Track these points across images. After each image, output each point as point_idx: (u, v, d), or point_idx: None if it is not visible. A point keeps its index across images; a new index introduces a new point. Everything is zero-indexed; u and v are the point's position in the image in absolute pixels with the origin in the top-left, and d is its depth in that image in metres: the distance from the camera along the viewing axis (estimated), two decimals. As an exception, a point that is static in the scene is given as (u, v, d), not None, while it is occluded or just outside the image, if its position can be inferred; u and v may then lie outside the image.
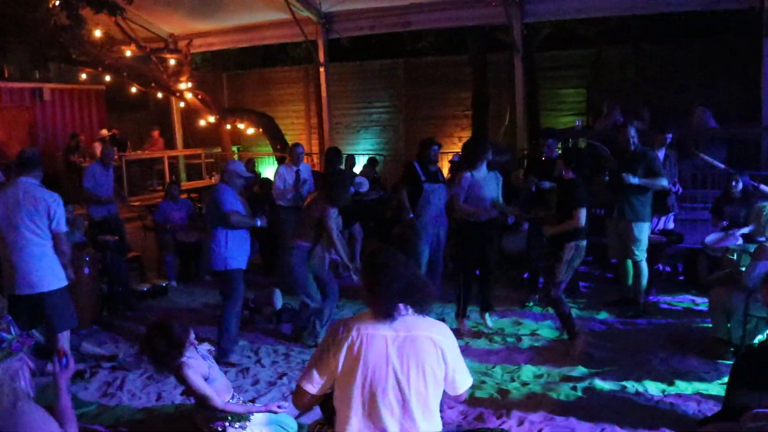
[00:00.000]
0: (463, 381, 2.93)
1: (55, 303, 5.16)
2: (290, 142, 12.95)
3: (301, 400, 2.96)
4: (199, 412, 4.09)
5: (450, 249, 8.44)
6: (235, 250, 5.98)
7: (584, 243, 6.06)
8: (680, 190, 8.33)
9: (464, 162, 6.72)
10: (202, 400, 3.98)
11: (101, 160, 8.97)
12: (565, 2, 10.77)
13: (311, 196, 6.72)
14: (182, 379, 3.97)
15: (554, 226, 6.03)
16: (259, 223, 6.12)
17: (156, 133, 16.92)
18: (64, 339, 5.26)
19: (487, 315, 6.81)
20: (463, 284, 6.68)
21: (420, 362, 2.75)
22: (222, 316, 6.01)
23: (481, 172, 6.52)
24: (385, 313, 2.77)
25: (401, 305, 2.80)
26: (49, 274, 5.11)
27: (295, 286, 6.37)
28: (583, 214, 5.87)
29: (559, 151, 9.14)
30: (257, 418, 4.10)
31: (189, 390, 4.01)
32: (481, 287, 6.78)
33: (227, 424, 3.98)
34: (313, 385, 2.87)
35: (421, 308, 2.84)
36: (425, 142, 7.57)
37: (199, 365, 4.03)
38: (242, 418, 4.04)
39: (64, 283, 5.21)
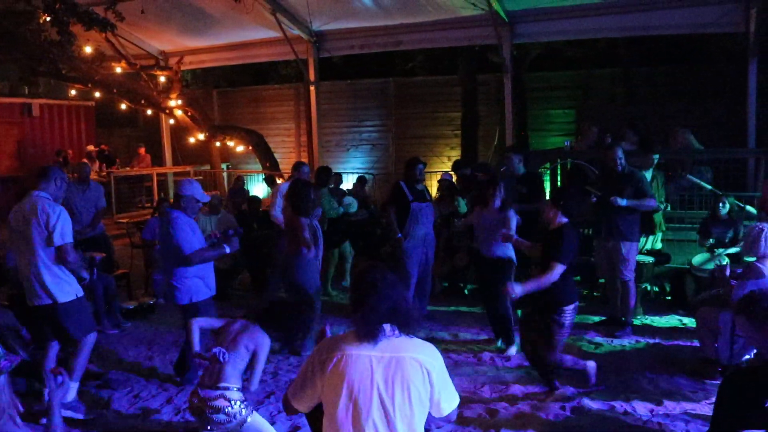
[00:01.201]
0: (449, 403, 2.88)
1: (67, 313, 5.19)
2: (280, 160, 12.99)
3: (290, 411, 3.00)
4: (201, 390, 4.09)
5: (438, 268, 8.48)
6: (201, 279, 5.55)
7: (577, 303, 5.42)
8: (668, 208, 8.40)
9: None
10: None
11: (77, 178, 8.62)
12: (555, 24, 10.85)
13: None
14: None
15: (532, 280, 5.22)
16: (228, 250, 5.57)
17: (142, 150, 16.90)
18: (88, 345, 5.34)
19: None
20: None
21: (405, 384, 2.72)
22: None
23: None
24: (370, 334, 2.75)
25: (388, 326, 2.78)
26: (53, 286, 5.11)
27: (305, 296, 6.32)
28: (559, 270, 5.10)
29: (542, 170, 9.22)
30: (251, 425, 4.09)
31: None
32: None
33: (227, 404, 4.00)
34: (300, 402, 2.90)
35: (407, 329, 2.81)
36: (410, 162, 7.61)
37: None
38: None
39: (71, 296, 5.22)
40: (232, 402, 4.01)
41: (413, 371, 2.74)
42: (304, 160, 16.67)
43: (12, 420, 2.69)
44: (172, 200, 6.38)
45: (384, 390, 2.71)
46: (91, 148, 16.46)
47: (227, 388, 4.04)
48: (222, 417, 3.98)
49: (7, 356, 2.83)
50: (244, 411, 4.05)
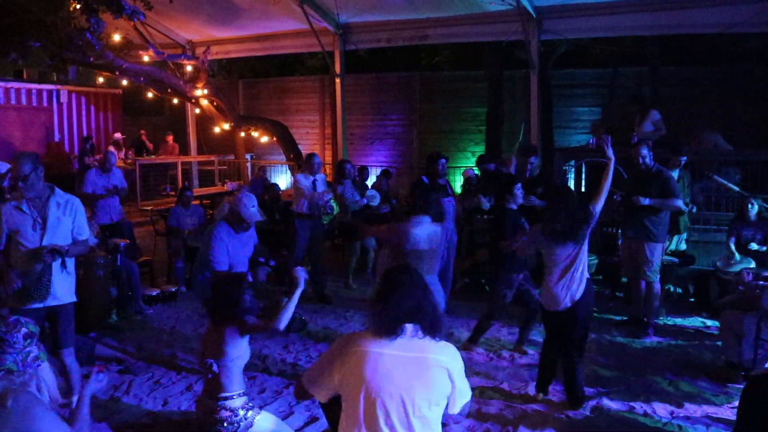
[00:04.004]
0: (462, 400, 2.88)
1: (64, 316, 4.86)
2: (304, 152, 13.00)
3: (302, 396, 3.01)
4: (203, 403, 4.08)
5: (460, 264, 8.46)
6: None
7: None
8: (694, 209, 8.32)
9: None
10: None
11: (100, 164, 9.05)
12: (583, 21, 10.74)
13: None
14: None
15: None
16: (249, 279, 5.12)
17: (170, 138, 17.02)
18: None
19: None
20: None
21: (426, 384, 2.72)
22: None
23: None
24: (386, 330, 2.74)
25: (411, 326, 2.77)
26: (57, 286, 4.75)
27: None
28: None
29: (566, 168, 9.17)
30: (259, 426, 4.07)
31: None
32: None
33: (230, 414, 3.97)
34: (316, 390, 2.90)
35: (432, 332, 2.80)
36: (432, 157, 7.57)
37: None
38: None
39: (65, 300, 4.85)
40: (235, 410, 3.98)
41: (435, 372, 2.74)
42: (328, 152, 16.74)
43: (45, 408, 2.73)
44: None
45: (404, 389, 2.70)
46: (118, 135, 16.59)
47: (228, 398, 3.99)
48: (228, 428, 3.96)
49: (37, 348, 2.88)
50: (249, 414, 4.02)
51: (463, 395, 2.87)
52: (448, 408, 2.85)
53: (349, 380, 2.74)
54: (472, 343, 6.54)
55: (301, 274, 4.27)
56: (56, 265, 4.67)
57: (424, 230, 5.19)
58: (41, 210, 4.65)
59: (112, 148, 14.91)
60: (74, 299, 4.90)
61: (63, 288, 4.78)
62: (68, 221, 4.74)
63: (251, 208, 5.47)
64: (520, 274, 6.28)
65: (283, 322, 4.15)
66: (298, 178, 8.39)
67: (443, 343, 2.84)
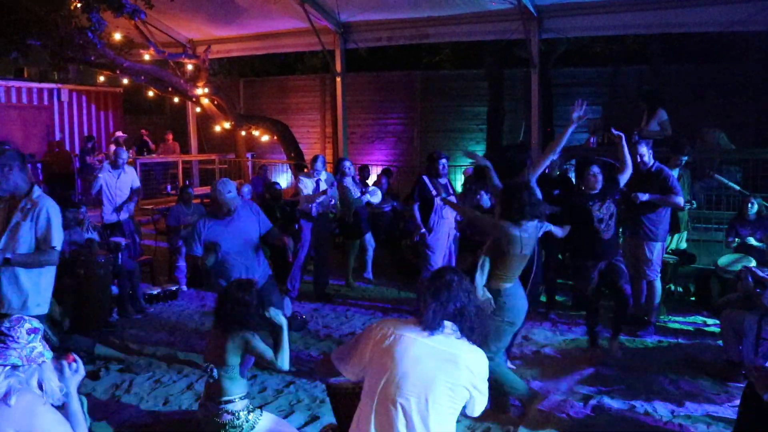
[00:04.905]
0: (481, 407, 3.00)
1: None
2: (305, 151, 13.04)
3: (326, 373, 3.21)
4: (205, 406, 4.07)
5: (462, 263, 8.45)
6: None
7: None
8: (694, 205, 8.31)
9: None
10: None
11: (111, 162, 9.07)
12: (584, 19, 10.75)
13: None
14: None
15: None
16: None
17: (170, 137, 17.01)
18: None
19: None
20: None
21: (451, 380, 2.81)
22: None
23: None
24: (430, 324, 2.87)
25: (450, 324, 2.90)
26: (9, 295, 4.40)
27: None
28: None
29: (567, 166, 9.17)
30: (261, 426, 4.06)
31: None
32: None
33: (232, 417, 3.96)
34: (343, 366, 3.06)
35: (469, 334, 2.93)
36: (432, 156, 7.57)
37: None
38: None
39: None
40: (236, 413, 3.96)
41: (462, 372, 2.83)
42: (329, 151, 16.73)
43: (48, 406, 2.73)
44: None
45: (429, 379, 2.79)
46: (119, 134, 16.59)
47: (229, 401, 3.97)
48: (231, 431, 3.96)
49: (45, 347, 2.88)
50: (251, 417, 4.00)
51: (483, 400, 2.98)
52: (467, 410, 2.97)
53: (379, 359, 2.87)
54: (593, 345, 6.44)
55: (278, 315, 4.21)
56: (6, 272, 4.31)
57: (531, 235, 4.94)
58: (9, 211, 4.31)
59: (113, 147, 14.93)
60: (31, 313, 4.19)
61: (15, 299, 4.37)
62: (30, 226, 4.30)
63: (227, 194, 5.54)
64: (599, 262, 6.18)
65: (285, 361, 4.08)
66: (301, 178, 8.44)
67: (475, 347, 2.95)
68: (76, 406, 3.02)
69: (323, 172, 8.54)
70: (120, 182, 8.89)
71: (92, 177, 9.26)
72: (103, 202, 8.85)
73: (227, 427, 3.93)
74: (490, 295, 4.65)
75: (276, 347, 4.09)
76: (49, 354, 2.87)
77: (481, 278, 4.69)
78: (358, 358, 2.98)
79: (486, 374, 2.95)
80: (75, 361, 3.13)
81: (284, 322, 4.18)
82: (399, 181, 14.07)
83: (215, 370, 3.99)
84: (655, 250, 6.80)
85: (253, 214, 5.82)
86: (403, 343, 2.84)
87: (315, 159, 8.69)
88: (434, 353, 2.83)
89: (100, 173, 8.92)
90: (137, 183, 9.27)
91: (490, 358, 4.50)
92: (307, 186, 8.33)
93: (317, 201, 8.20)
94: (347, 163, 9.08)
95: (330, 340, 6.84)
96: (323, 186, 8.35)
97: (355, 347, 3.02)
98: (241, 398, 4.02)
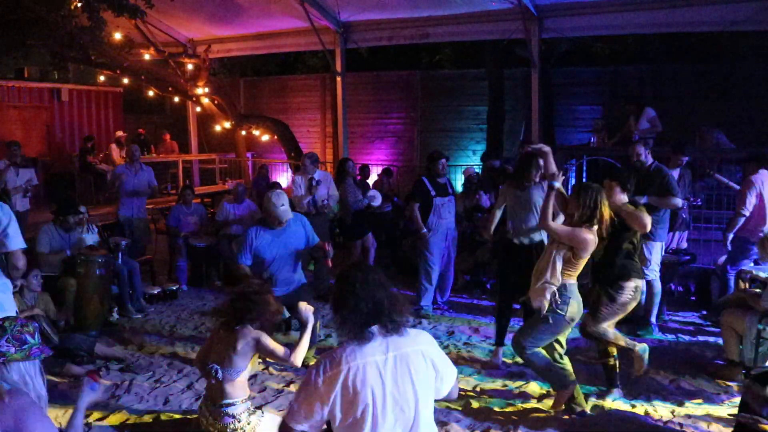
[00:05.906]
0: (448, 386, 2.86)
1: None
2: (305, 150, 13.02)
3: None
4: (205, 408, 4.06)
5: (461, 262, 8.46)
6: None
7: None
8: (698, 201, 8.31)
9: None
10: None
11: (128, 160, 9.33)
12: (585, 19, 10.73)
13: None
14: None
15: None
16: None
17: (167, 137, 16.99)
18: None
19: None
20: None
21: (413, 377, 2.68)
22: None
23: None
24: (357, 336, 2.67)
25: (376, 327, 2.69)
26: None
27: None
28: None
29: (567, 166, 9.16)
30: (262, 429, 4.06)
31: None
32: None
33: (233, 420, 3.96)
34: (303, 425, 2.74)
35: (396, 328, 2.71)
36: (432, 156, 7.58)
37: None
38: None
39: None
40: (237, 416, 3.96)
41: (418, 363, 2.71)
42: (329, 150, 16.74)
43: (36, 407, 2.73)
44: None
45: (395, 390, 2.65)
46: (120, 133, 16.58)
47: (230, 404, 3.97)
48: None
49: (41, 345, 2.88)
50: (252, 419, 4.01)
51: (449, 378, 2.85)
52: (437, 394, 2.82)
53: (344, 400, 2.64)
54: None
55: (308, 312, 4.24)
56: None
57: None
58: None
59: (113, 146, 14.95)
60: None
61: None
62: None
63: (280, 207, 5.72)
64: None
65: (299, 359, 4.10)
66: (296, 179, 8.44)
67: (414, 331, 2.80)
68: (80, 421, 3.06)
69: (317, 171, 8.48)
70: (137, 179, 9.22)
71: (112, 175, 9.59)
72: (121, 199, 9.20)
73: (228, 430, 3.93)
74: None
75: (297, 343, 4.13)
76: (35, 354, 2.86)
77: None
78: (318, 410, 2.66)
79: (438, 350, 2.80)
80: (97, 382, 3.18)
81: (311, 320, 4.22)
82: (399, 180, 14.07)
83: (220, 372, 3.97)
84: (654, 250, 6.81)
85: (302, 228, 6.04)
86: (363, 375, 2.62)
87: (304, 157, 8.63)
88: (391, 364, 2.65)
89: (118, 170, 9.28)
90: (154, 181, 9.58)
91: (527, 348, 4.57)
92: (300, 186, 8.31)
93: (304, 202, 8.19)
94: (351, 164, 9.09)
95: (330, 340, 6.84)
96: (317, 182, 8.29)
97: (309, 400, 2.67)
98: (243, 401, 4.02)
